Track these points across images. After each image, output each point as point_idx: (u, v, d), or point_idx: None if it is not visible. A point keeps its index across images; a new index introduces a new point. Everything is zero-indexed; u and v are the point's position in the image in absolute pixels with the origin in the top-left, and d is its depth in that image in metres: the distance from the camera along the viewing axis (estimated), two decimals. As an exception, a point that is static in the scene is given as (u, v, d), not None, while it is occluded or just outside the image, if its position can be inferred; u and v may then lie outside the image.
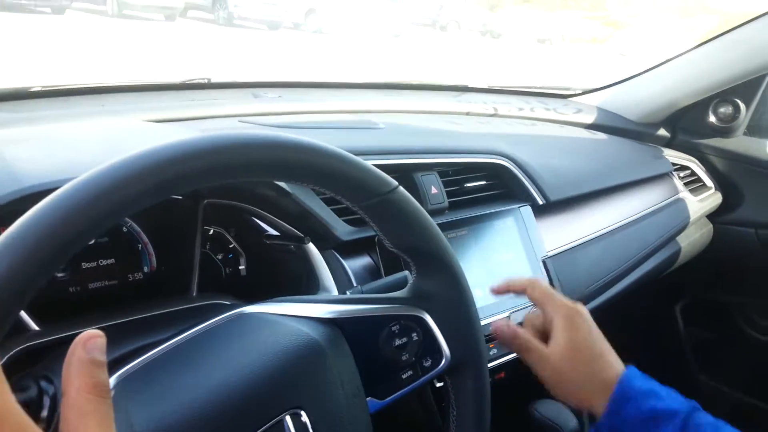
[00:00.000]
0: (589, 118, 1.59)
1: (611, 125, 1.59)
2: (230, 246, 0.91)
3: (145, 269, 0.83)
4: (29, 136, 0.76)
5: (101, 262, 0.79)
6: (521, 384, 0.99)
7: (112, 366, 0.49)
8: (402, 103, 1.44)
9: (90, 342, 0.36)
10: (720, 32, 1.44)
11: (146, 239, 0.82)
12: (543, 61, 13.47)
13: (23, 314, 0.64)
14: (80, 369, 0.35)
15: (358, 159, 0.51)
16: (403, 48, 12.69)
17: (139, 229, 0.81)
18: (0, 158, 0.63)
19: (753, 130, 1.56)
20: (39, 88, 1.13)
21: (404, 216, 0.54)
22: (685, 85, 1.51)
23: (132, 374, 0.47)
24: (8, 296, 0.33)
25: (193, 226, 0.81)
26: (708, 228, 1.57)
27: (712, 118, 1.55)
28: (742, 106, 1.51)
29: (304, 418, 0.47)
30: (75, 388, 0.34)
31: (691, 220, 1.42)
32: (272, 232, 0.86)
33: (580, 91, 1.74)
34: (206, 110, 1.15)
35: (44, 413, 0.48)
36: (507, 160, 1.05)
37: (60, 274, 0.76)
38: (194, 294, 0.78)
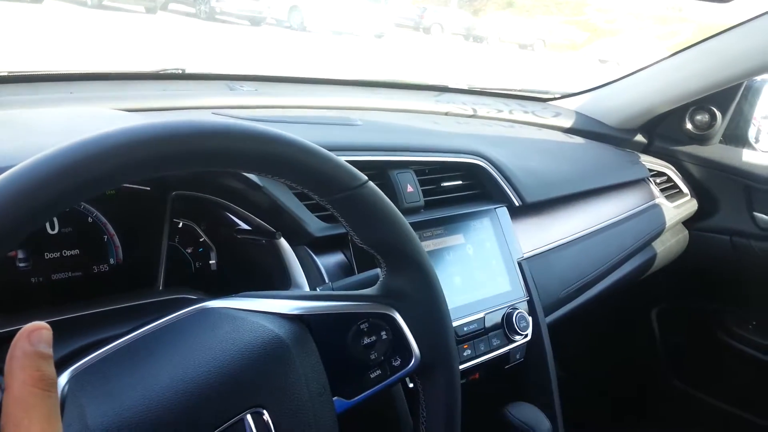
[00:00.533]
0: (568, 122, 1.59)
1: (589, 130, 1.59)
2: (200, 240, 0.88)
3: (111, 261, 0.80)
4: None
5: (65, 252, 0.76)
6: (496, 386, 0.99)
7: (68, 360, 0.46)
8: (381, 101, 1.43)
9: (35, 334, 0.34)
10: (696, 41, 1.45)
11: (112, 231, 0.80)
12: (524, 65, 13.57)
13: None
14: (24, 362, 0.33)
15: (326, 152, 0.49)
16: (385, 49, 12.69)
17: (105, 219, 0.78)
18: None
19: (729, 138, 1.57)
20: (5, 74, 1.09)
21: (373, 211, 0.52)
22: (663, 92, 1.52)
23: (87, 368, 0.45)
24: None
25: (161, 218, 0.79)
26: (684, 234, 1.58)
27: (688, 126, 1.56)
28: (718, 114, 1.52)
29: (266, 417, 0.45)
30: (19, 382, 0.32)
31: (666, 225, 1.43)
32: (243, 226, 0.84)
33: (559, 95, 1.74)
34: (179, 101, 1.13)
35: None
36: (484, 160, 1.05)
37: (22, 264, 0.73)
38: (161, 288, 0.76)
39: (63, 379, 0.44)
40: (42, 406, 0.32)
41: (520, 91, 1.82)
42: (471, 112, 1.52)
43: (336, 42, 11.99)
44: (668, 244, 1.50)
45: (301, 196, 0.82)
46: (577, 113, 1.63)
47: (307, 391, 0.49)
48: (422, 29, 17.92)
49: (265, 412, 0.45)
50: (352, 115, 1.18)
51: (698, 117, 1.55)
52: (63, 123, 0.76)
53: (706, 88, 1.44)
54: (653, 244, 1.43)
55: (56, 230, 0.75)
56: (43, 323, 0.35)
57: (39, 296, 0.73)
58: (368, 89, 1.56)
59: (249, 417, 0.45)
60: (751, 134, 1.54)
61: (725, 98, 1.51)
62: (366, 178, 0.51)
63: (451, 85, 1.71)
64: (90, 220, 0.77)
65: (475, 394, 0.82)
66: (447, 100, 1.57)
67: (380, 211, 0.53)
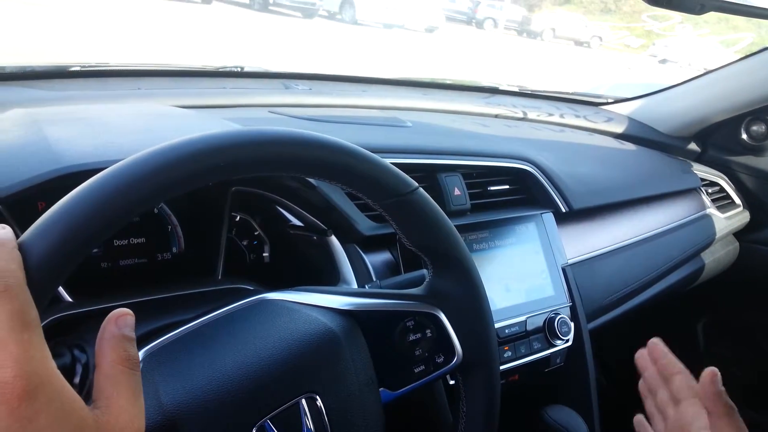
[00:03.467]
0: (619, 128, 1.58)
1: (641, 136, 1.58)
2: (255, 233, 0.93)
3: (174, 250, 0.85)
4: (70, 116, 0.78)
5: (132, 240, 0.82)
6: (534, 388, 1.00)
7: (141, 341, 0.51)
8: (431, 102, 1.45)
9: (121, 319, 0.38)
10: (756, 50, 1.42)
11: (176, 221, 0.85)
12: (580, 64, 13.31)
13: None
14: (113, 343, 0.37)
15: (380, 159, 0.52)
16: (436, 43, 12.64)
17: (169, 211, 0.84)
18: (41, 137, 0.66)
19: (786, 150, 1.54)
20: (77, 68, 1.16)
21: (423, 217, 0.55)
22: (719, 101, 1.50)
23: (160, 349, 0.49)
24: (54, 267, 0.36)
25: (221, 212, 0.84)
26: (734, 246, 1.55)
27: (744, 136, 1.54)
28: (775, 124, 1.49)
29: (319, 402, 0.49)
30: (108, 361, 0.37)
31: (717, 236, 1.41)
32: (296, 222, 0.88)
33: (612, 100, 1.73)
34: (237, 99, 1.18)
35: (76, 379, 0.50)
36: (532, 165, 1.06)
37: (94, 250, 0.79)
38: (219, 277, 0.80)
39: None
40: (128, 383, 0.37)
41: (571, 94, 1.82)
42: (521, 115, 1.53)
43: (387, 36, 12.01)
44: (717, 255, 1.48)
45: (352, 196, 0.85)
46: (630, 119, 1.62)
47: (356, 380, 0.53)
48: (475, 23, 17.77)
49: (318, 397, 0.49)
50: (402, 116, 1.21)
51: (754, 127, 1.52)
52: (137, 121, 0.82)
53: (765, 99, 1.41)
54: (702, 254, 1.41)
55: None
56: (127, 310, 0.39)
57: (108, 280, 0.79)
58: (418, 89, 1.58)
59: (303, 401, 0.49)
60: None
61: (784, 109, 1.48)
62: (416, 185, 0.54)
63: (502, 87, 1.72)
64: (156, 211, 0.83)
65: (513, 395, 0.85)
66: (497, 102, 1.59)
67: (429, 216, 0.55)
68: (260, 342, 0.50)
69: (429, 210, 0.55)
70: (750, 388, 1.65)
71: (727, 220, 1.48)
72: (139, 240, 0.83)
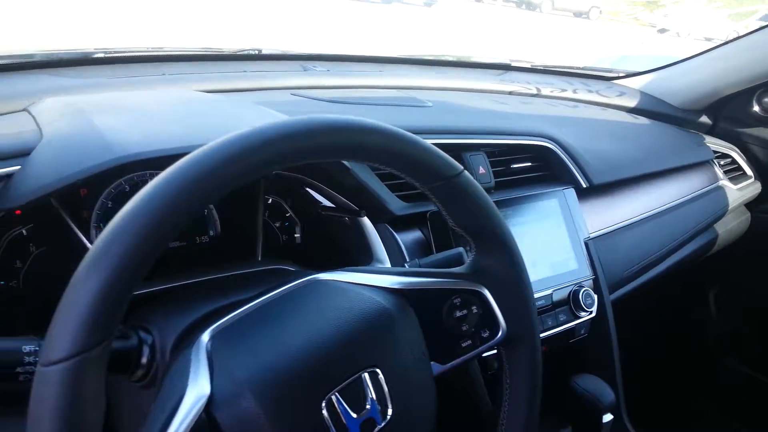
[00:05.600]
0: (632, 102, 1.59)
1: (654, 110, 1.59)
2: (287, 215, 0.96)
3: (211, 233, 0.88)
4: (112, 105, 0.80)
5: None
6: (563, 358, 1.04)
7: (205, 320, 0.54)
8: (446, 80, 1.46)
9: None
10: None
11: (211, 205, 0.87)
12: (579, 35, 13.20)
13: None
14: None
15: (430, 144, 0.55)
16: (436, 17, 12.51)
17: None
18: (91, 127, 0.68)
19: (797, 121, 1.55)
20: (102, 55, 1.17)
21: (467, 198, 0.58)
22: (731, 74, 1.51)
23: (225, 329, 0.52)
24: (150, 247, 0.39)
25: (257, 196, 0.86)
26: (746, 216, 1.58)
27: (755, 108, 1.55)
28: (787, 96, 1.50)
29: (380, 375, 0.52)
30: None
31: (730, 208, 1.43)
32: (328, 203, 0.91)
33: (623, 74, 1.74)
34: (258, 82, 1.20)
35: (144, 360, 0.53)
36: (553, 143, 1.08)
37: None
38: (259, 258, 0.83)
39: (206, 336, 0.51)
40: None
41: (582, 69, 1.83)
42: (535, 92, 1.54)
43: (386, 11, 11.89)
44: (730, 226, 1.50)
45: (383, 177, 0.87)
46: (642, 93, 1.64)
47: (411, 354, 0.56)
48: (473, -4, 17.55)
49: (379, 371, 0.52)
50: (420, 95, 1.23)
51: (766, 99, 1.54)
52: (177, 109, 0.84)
53: (778, 70, 1.42)
54: (715, 225, 1.44)
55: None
56: None
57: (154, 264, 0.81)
58: (432, 68, 1.59)
59: (366, 374, 0.52)
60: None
61: (795, 81, 1.49)
62: (461, 168, 0.57)
63: (513, 63, 1.73)
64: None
65: (543, 365, 0.88)
66: (510, 78, 1.60)
67: (473, 198, 0.58)
68: (320, 320, 0.53)
69: (474, 192, 0.58)
70: (762, 354, 1.69)
71: (739, 191, 1.50)
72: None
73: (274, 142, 0.44)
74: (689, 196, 1.36)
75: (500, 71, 1.67)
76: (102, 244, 0.39)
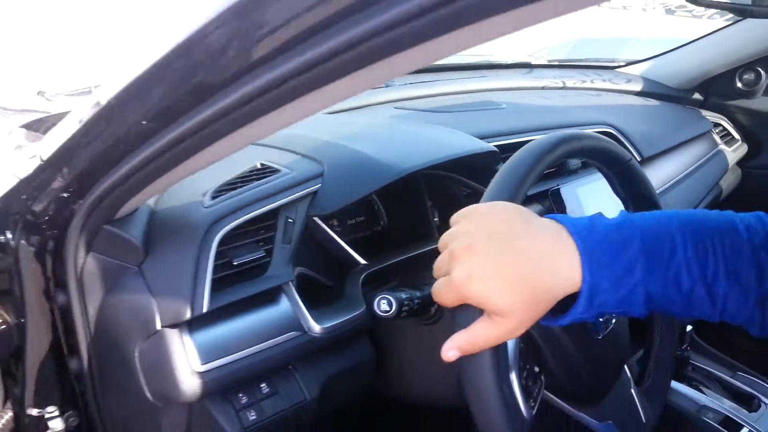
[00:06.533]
0: (638, 87, 1.92)
1: (655, 92, 1.93)
2: (429, 204, 1.22)
3: (381, 223, 1.14)
4: (353, 133, 1.06)
5: (357, 219, 1.10)
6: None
7: None
8: (493, 82, 1.74)
9: None
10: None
11: (378, 202, 1.13)
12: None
13: (353, 253, 0.95)
14: None
15: (611, 141, 0.83)
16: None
17: (374, 195, 1.11)
18: (360, 154, 0.95)
19: (771, 92, 1.92)
20: None
21: (635, 176, 0.86)
22: (718, 57, 1.86)
23: None
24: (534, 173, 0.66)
25: (420, 187, 1.11)
26: (737, 173, 1.93)
27: (738, 84, 1.90)
28: (763, 73, 1.86)
29: None
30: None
31: (729, 167, 1.78)
32: (467, 190, 1.17)
33: (624, 63, 2.06)
34: (363, 100, 1.44)
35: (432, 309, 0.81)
36: (612, 128, 1.38)
37: (337, 228, 1.06)
38: (436, 236, 1.09)
39: None
40: None
41: (587, 61, 2.14)
42: (561, 85, 1.84)
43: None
44: (728, 182, 1.85)
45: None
46: (644, 78, 1.96)
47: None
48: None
49: None
50: (492, 98, 1.51)
51: (746, 76, 1.89)
52: (394, 134, 1.12)
53: (756, 54, 1.77)
54: (719, 182, 1.78)
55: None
56: None
57: (356, 249, 1.07)
58: (476, 72, 1.86)
59: None
60: (791, 87, 1.89)
61: (768, 60, 1.85)
62: (630, 155, 0.85)
63: (533, 62, 2.02)
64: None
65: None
66: (535, 75, 1.89)
67: (638, 175, 0.86)
68: None
69: (638, 171, 0.86)
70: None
71: (733, 153, 1.85)
72: (360, 218, 1.11)
73: (566, 142, 0.72)
74: (699, 162, 1.69)
75: (525, 69, 1.97)
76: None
